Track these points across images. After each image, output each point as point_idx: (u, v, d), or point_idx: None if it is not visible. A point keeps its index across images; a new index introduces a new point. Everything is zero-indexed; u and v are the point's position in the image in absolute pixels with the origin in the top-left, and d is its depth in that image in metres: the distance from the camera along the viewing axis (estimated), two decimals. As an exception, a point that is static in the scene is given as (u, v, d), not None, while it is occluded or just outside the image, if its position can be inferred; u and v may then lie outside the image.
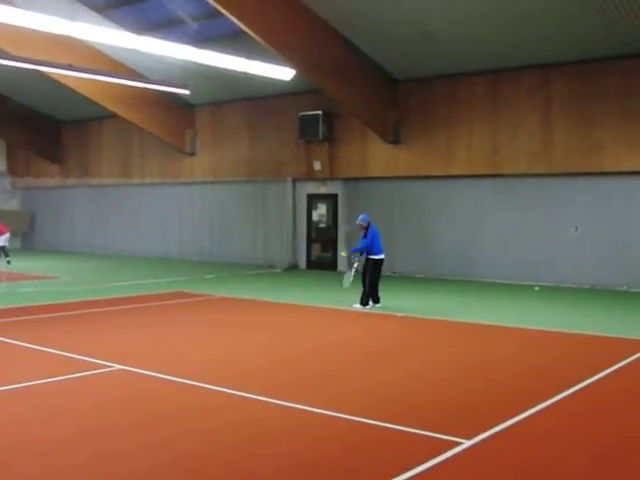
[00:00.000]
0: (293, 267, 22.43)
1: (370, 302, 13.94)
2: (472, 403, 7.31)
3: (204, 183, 24.62)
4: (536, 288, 17.10)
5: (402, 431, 6.28)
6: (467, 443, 5.88)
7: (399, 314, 13.25)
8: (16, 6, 16.05)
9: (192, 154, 24.65)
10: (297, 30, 16.61)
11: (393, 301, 14.79)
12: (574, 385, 7.84)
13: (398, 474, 5.18)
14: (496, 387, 8.05)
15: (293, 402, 7.15)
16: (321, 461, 5.58)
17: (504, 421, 6.48)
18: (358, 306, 13.86)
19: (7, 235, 21.72)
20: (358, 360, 9.47)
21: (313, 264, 22.36)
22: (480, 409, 7.09)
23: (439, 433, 6.15)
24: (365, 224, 14.03)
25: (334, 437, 6.18)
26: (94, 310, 13.69)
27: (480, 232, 19.09)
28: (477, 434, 6.08)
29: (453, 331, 11.89)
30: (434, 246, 19.90)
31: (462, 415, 6.84)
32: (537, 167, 17.83)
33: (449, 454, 5.61)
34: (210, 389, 7.71)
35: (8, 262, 21.17)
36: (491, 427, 6.29)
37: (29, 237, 31.81)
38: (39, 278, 19.38)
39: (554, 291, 16.84)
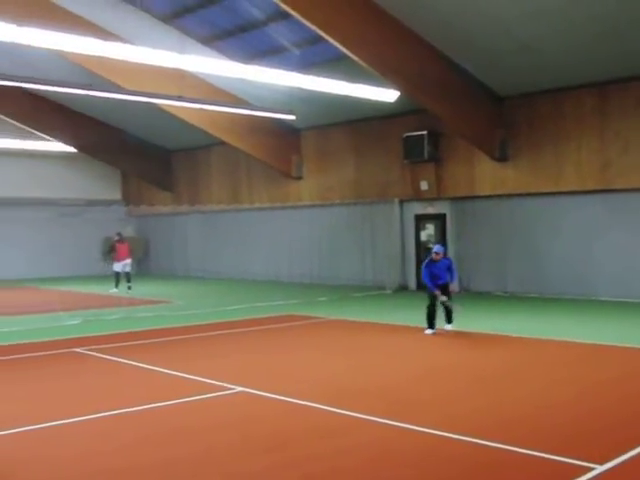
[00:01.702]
0: (403, 288, 22.36)
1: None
2: (601, 425, 7.10)
3: (311, 206, 24.89)
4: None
5: (527, 455, 6.13)
6: (600, 468, 5.68)
7: (513, 335, 13.01)
8: (128, 42, 16.76)
9: (299, 178, 24.97)
10: (399, 51, 16.64)
11: (505, 321, 14.55)
12: None
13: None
14: (624, 407, 7.79)
15: (413, 424, 7.10)
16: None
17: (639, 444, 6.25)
18: (450, 327, 13.66)
19: (129, 261, 22.58)
20: (474, 381, 9.33)
21: (423, 285, 22.16)
22: (610, 431, 6.86)
23: (568, 457, 5.97)
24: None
25: (457, 460, 6.10)
26: (210, 333, 14.01)
27: (594, 249, 18.54)
28: (610, 458, 5.86)
29: (571, 351, 11.58)
30: (546, 264, 19.46)
31: (591, 438, 6.65)
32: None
33: (582, 480, 5.45)
34: (330, 411, 7.76)
35: (129, 287, 21.96)
36: (625, 451, 6.05)
37: (144, 263, 32.86)
38: (155, 303, 19.97)
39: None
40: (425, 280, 13.59)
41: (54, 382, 9.76)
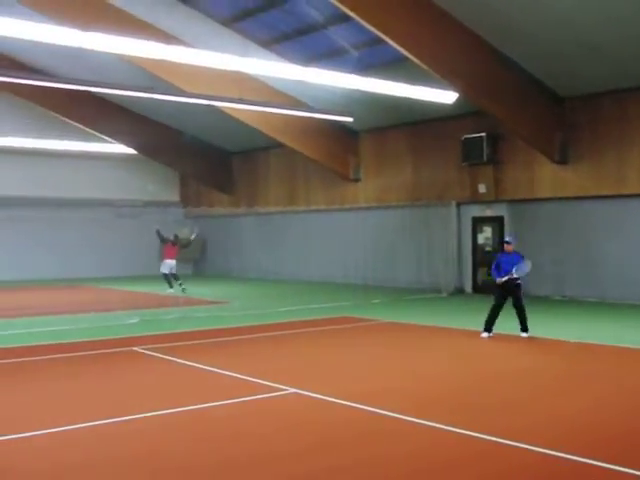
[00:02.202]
0: (459, 291, 22.20)
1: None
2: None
3: (368, 208, 24.87)
4: None
5: (594, 465, 6.02)
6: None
7: (572, 340, 12.82)
8: (189, 46, 16.99)
9: (356, 180, 24.98)
10: (458, 53, 16.54)
11: (563, 326, 14.35)
12: None
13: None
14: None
15: (474, 431, 7.01)
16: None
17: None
18: (525, 334, 13.25)
19: (174, 262, 22.71)
20: (536, 388, 9.19)
21: (479, 288, 22.01)
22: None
23: (629, 467, 5.85)
24: (513, 246, 13.48)
25: (521, 469, 5.99)
26: (265, 334, 14.09)
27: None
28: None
29: (634, 358, 11.36)
30: (605, 269, 19.12)
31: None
32: None
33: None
34: (385, 415, 7.73)
35: (183, 289, 22.18)
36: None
37: (201, 264, 33.28)
38: (211, 303, 20.17)
39: None
40: (493, 271, 13.31)
41: (111, 380, 9.94)
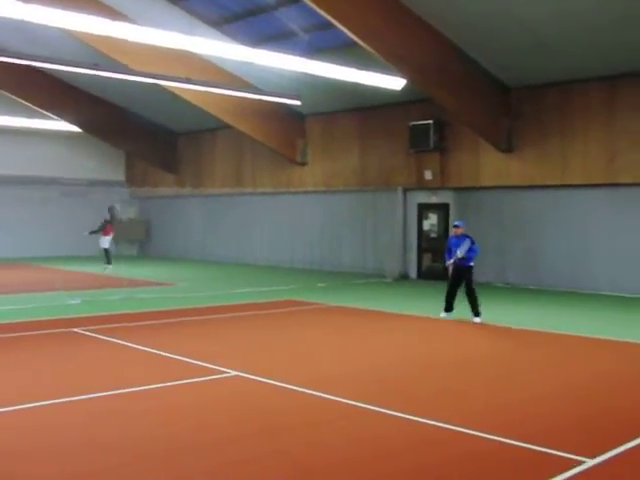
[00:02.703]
0: (404, 277, 22.35)
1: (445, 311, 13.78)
2: (602, 422, 7.12)
3: (315, 192, 24.86)
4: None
5: (524, 448, 6.14)
6: (590, 462, 5.72)
7: (514, 327, 13.00)
8: (136, 23, 16.68)
9: (303, 164, 24.92)
10: (408, 39, 16.57)
11: (506, 312, 14.56)
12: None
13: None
14: (628, 405, 7.80)
15: (418, 416, 7.04)
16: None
17: (633, 440, 6.28)
18: (478, 319, 13.49)
19: (109, 237, 22.85)
20: (479, 375, 9.30)
21: (424, 274, 22.20)
22: (609, 428, 6.88)
23: (562, 451, 5.98)
24: (463, 229, 13.78)
25: (465, 455, 6.04)
26: (209, 317, 14.03)
27: (596, 243, 18.51)
28: (601, 453, 5.90)
29: (574, 344, 11.58)
30: (547, 257, 19.44)
31: (590, 434, 6.67)
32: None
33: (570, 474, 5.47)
34: (328, 398, 7.75)
35: (105, 268, 22.26)
36: (618, 445, 6.10)
37: (145, 245, 32.93)
38: (156, 284, 19.99)
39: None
40: (445, 255, 13.70)
41: (48, 361, 9.78)
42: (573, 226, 18.91)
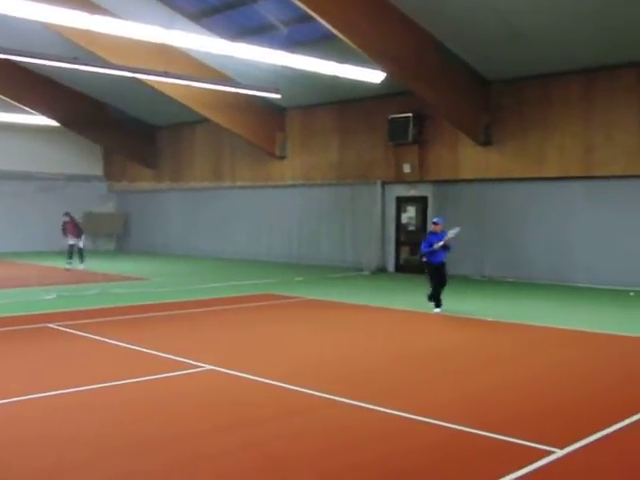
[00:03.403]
0: (381, 270, 22.39)
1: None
2: (571, 412, 7.15)
3: (294, 186, 24.83)
4: (631, 293, 16.61)
5: (492, 438, 6.18)
6: (560, 452, 5.75)
7: (489, 319, 13.05)
8: (115, 16, 16.58)
9: (282, 157, 24.89)
10: (387, 33, 16.57)
11: (483, 305, 14.61)
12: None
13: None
14: (596, 395, 7.86)
15: (388, 408, 7.07)
16: (411, 469, 5.54)
17: (601, 430, 6.33)
18: (438, 310, 13.77)
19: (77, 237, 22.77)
20: (451, 366, 9.34)
21: (402, 267, 22.25)
22: (578, 418, 6.92)
23: (534, 441, 6.00)
24: (442, 226, 13.87)
25: (432, 445, 6.08)
26: (185, 311, 13.98)
27: (573, 235, 18.63)
28: (571, 443, 5.94)
29: (551, 336, 11.62)
30: (525, 249, 19.54)
31: (558, 424, 6.69)
32: (633, 168, 17.26)
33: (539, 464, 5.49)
34: (300, 391, 7.75)
35: (69, 263, 22.40)
36: (587, 436, 6.15)
37: (124, 239, 32.77)
38: (132, 279, 19.89)
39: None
40: (423, 249, 13.70)
41: (19, 358, 9.68)
42: (551, 219, 19.01)
